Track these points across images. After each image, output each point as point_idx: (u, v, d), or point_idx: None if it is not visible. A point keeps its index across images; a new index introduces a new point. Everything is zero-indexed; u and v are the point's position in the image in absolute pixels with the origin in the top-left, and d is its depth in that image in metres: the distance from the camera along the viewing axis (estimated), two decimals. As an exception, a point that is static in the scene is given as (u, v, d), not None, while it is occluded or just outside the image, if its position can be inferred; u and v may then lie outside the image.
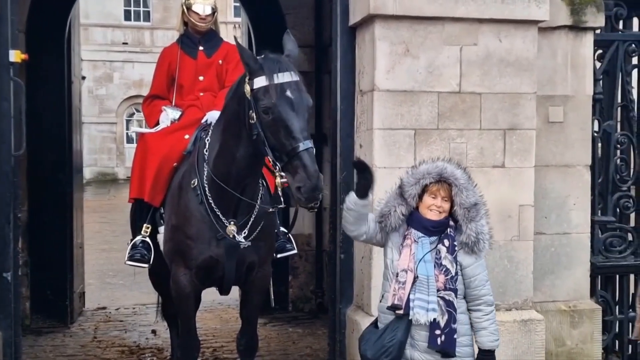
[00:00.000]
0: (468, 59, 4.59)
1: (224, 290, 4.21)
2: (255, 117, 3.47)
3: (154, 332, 6.39)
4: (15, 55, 4.18)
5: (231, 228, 3.88)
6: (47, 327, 6.52)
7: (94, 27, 24.73)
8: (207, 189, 3.90)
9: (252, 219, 3.91)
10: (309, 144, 3.34)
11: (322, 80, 6.99)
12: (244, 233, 3.88)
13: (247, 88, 3.53)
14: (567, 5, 4.96)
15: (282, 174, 3.39)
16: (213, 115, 4.32)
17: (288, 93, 3.41)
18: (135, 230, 4.49)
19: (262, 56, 3.55)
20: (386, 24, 4.47)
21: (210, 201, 3.89)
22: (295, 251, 4.57)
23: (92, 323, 6.85)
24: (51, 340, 6.21)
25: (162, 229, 4.27)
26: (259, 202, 3.94)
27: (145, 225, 4.35)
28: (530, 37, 4.67)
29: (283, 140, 3.37)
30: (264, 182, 4.06)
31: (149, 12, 27.10)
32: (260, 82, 3.46)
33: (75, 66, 7.20)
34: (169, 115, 4.54)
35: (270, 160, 3.49)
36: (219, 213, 3.88)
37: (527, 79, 4.67)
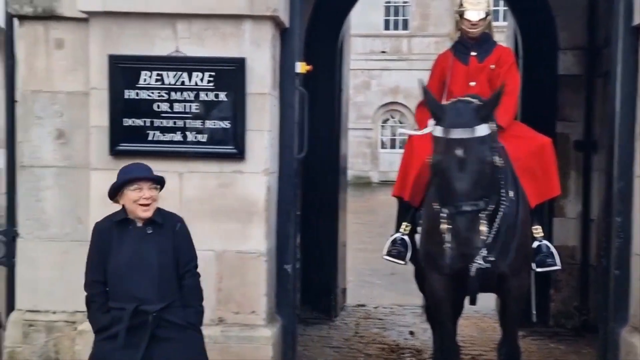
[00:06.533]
0: None
1: (471, 300, 4.20)
2: None
3: (411, 333, 6.53)
4: (301, 67, 4.55)
5: None
6: (313, 318, 6.96)
7: (355, 37, 25.94)
8: None
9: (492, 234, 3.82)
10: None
11: (593, 84, 6.57)
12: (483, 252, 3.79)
13: None
14: None
15: None
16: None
17: None
18: (398, 226, 4.63)
19: None
20: (679, 20, 4.08)
21: None
22: (557, 267, 4.38)
23: (354, 319, 7.20)
24: (317, 331, 6.63)
25: (420, 229, 4.35)
26: (498, 219, 3.84)
27: (405, 223, 4.50)
28: None
29: None
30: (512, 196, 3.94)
31: (407, 20, 27.75)
32: None
33: (344, 75, 7.65)
34: (437, 120, 4.60)
35: None
36: None
37: None
